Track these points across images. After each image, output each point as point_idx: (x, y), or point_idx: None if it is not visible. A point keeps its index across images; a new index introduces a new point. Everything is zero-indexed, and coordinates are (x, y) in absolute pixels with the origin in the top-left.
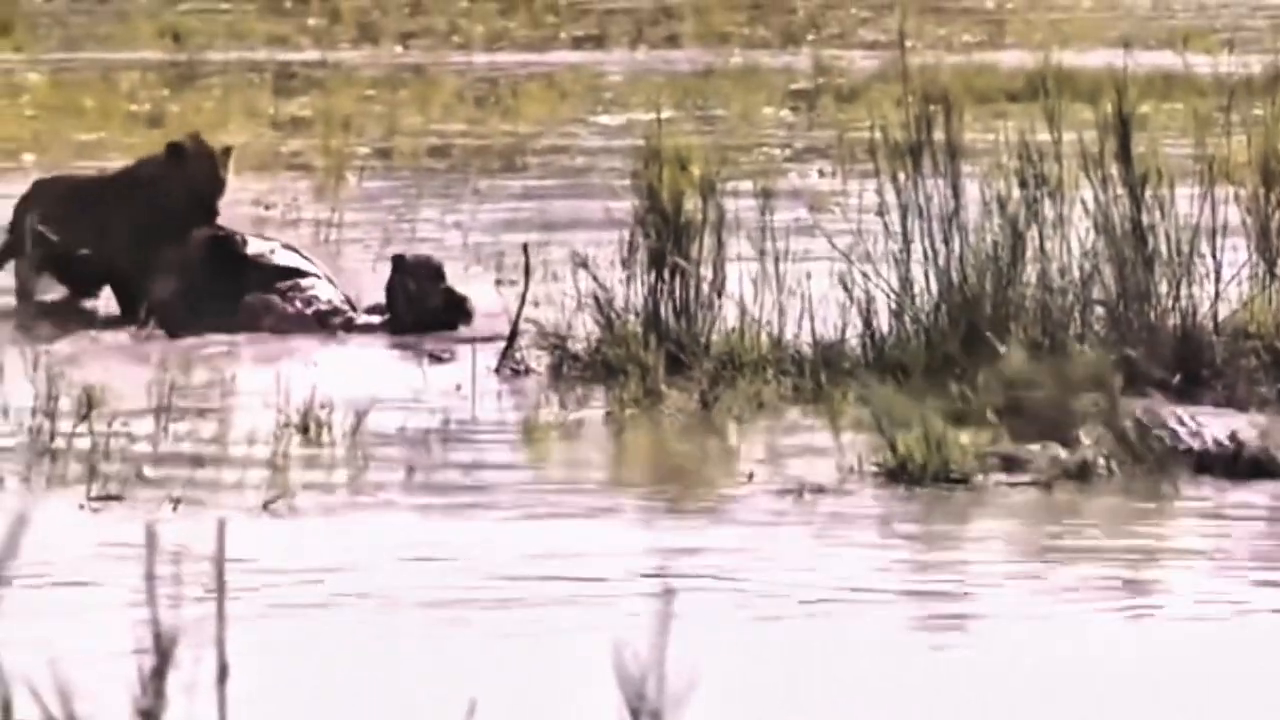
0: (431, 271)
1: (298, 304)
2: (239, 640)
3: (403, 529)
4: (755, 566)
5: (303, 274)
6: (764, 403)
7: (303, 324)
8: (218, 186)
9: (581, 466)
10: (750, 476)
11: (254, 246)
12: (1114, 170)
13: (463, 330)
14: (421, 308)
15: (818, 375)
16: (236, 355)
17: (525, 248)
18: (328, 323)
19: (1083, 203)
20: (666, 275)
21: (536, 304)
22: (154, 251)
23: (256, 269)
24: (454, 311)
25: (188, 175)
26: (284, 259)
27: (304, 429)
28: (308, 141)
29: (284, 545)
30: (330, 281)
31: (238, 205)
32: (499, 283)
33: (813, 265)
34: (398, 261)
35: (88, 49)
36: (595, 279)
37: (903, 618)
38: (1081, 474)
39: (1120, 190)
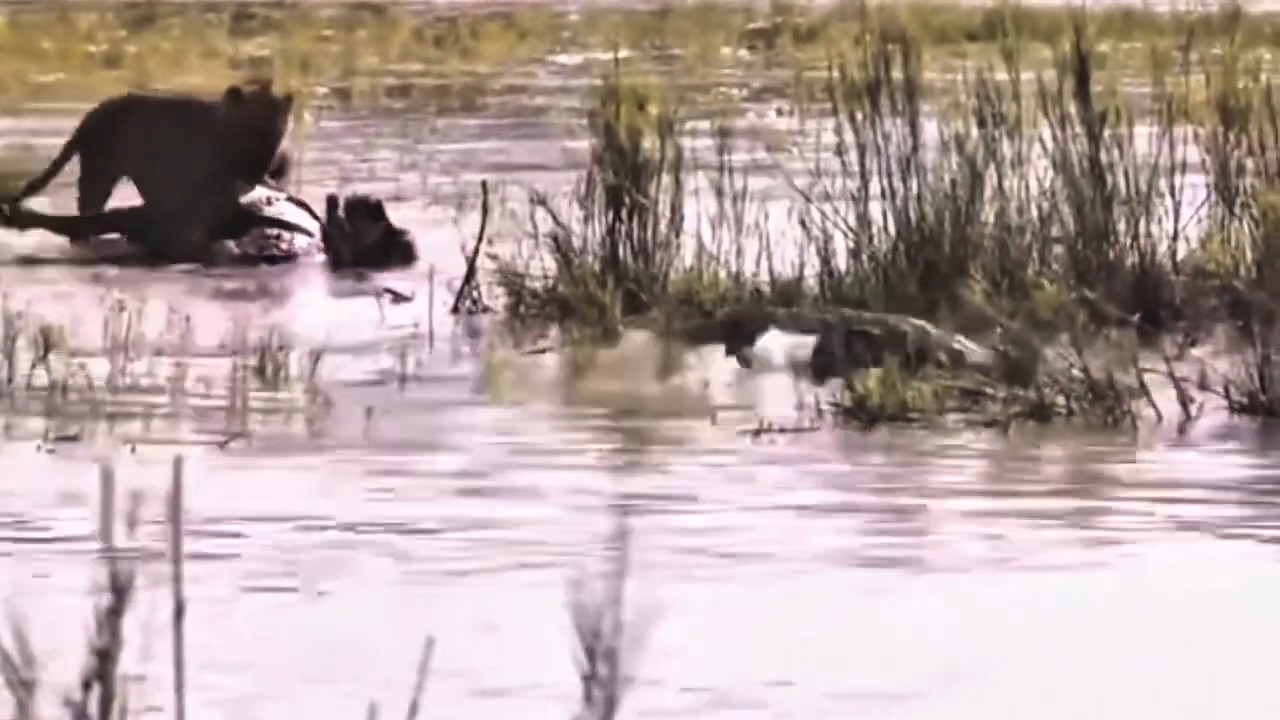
0: (369, 209)
1: (253, 249)
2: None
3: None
4: (709, 506)
5: (286, 226)
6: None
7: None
8: (276, 139)
9: (539, 404)
10: (713, 418)
11: (252, 196)
12: (1072, 109)
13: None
14: (359, 246)
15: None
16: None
17: (484, 185)
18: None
19: (1041, 142)
20: (624, 214)
21: (492, 243)
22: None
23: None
24: (395, 249)
25: (249, 122)
26: (274, 211)
27: (260, 370)
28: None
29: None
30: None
31: None
32: (456, 222)
33: (771, 204)
34: (332, 202)
35: None
36: (554, 217)
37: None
38: (1040, 414)
39: (1079, 129)
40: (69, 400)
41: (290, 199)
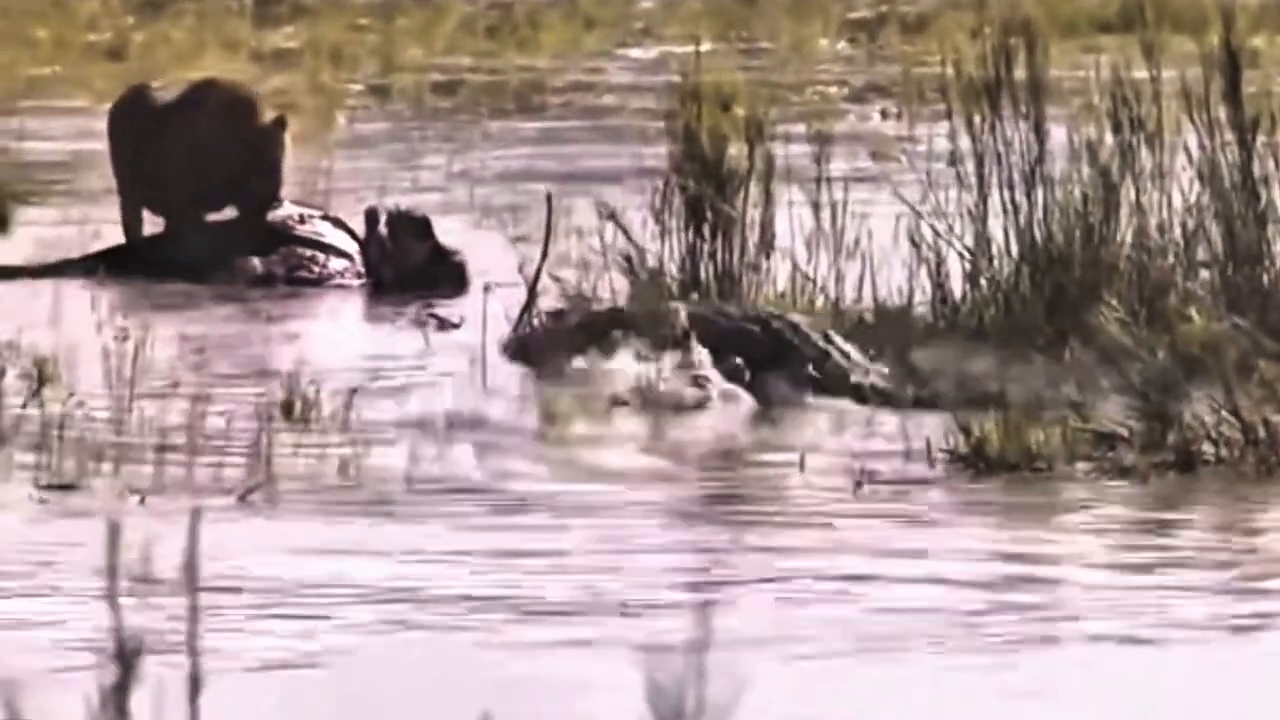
0: (415, 225)
1: (281, 270)
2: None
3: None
4: (807, 569)
5: (319, 246)
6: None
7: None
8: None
9: (604, 451)
10: (802, 464)
11: (282, 212)
12: (1221, 113)
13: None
14: (403, 267)
15: (880, 346)
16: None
17: (549, 197)
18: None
19: (1185, 150)
20: (706, 231)
21: (541, 257)
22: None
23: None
24: (444, 271)
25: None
26: (307, 229)
27: (287, 409)
28: (293, 77)
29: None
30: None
31: None
32: (514, 240)
33: (875, 221)
34: (371, 216)
35: None
36: (626, 233)
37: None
38: (1184, 463)
39: (1228, 136)
40: (65, 443)
41: (325, 216)
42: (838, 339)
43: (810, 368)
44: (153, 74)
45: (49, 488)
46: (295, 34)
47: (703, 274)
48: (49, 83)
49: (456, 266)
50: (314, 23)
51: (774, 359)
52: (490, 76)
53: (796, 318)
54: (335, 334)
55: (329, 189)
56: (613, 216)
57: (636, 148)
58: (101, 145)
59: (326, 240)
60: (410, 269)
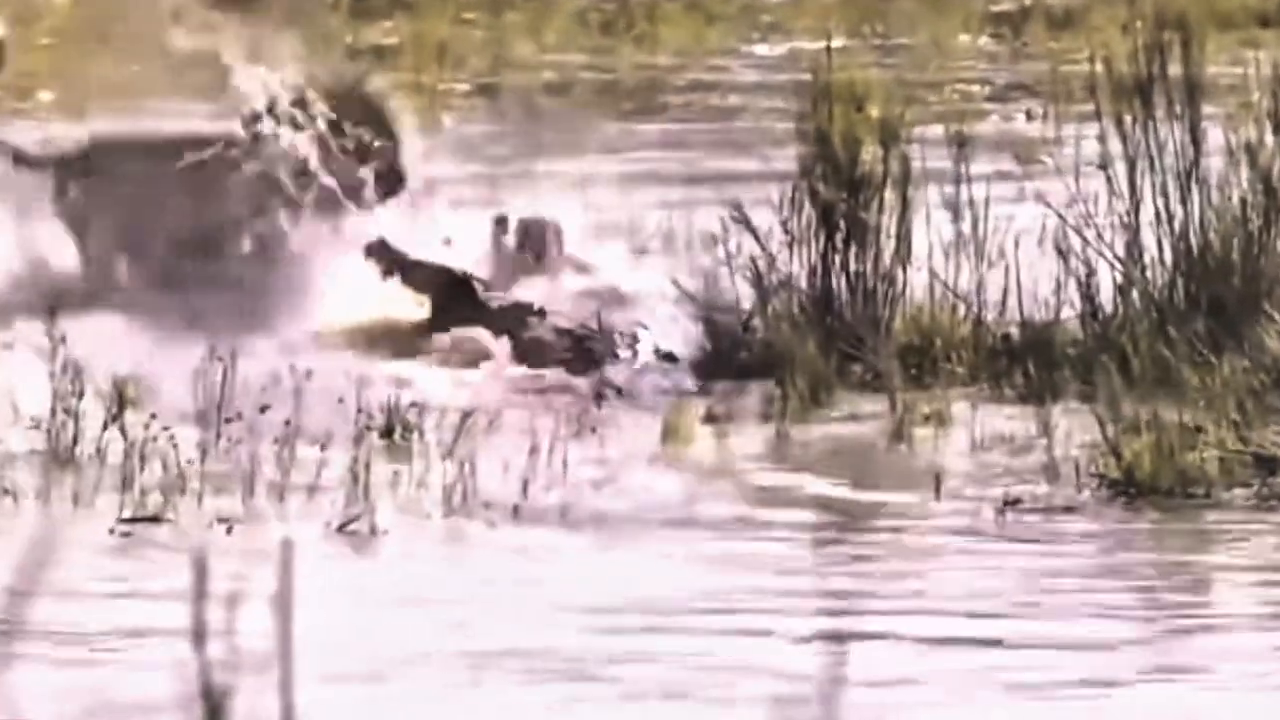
0: (545, 234)
1: None
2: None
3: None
4: (947, 607)
5: None
6: (959, 397)
7: None
8: None
9: (736, 479)
10: (938, 490)
11: None
12: None
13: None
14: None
15: (1026, 364)
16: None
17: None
18: None
19: None
20: (839, 240)
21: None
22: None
23: None
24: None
25: None
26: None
27: (387, 434)
28: (393, 76)
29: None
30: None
31: None
32: (636, 252)
33: (1019, 229)
34: (500, 224)
35: None
36: (757, 239)
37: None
38: None
39: None
40: (149, 471)
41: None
42: None
43: None
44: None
45: (131, 519)
46: (395, 29)
47: (834, 286)
48: (130, 84)
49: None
50: (415, 17)
51: None
52: (605, 75)
53: None
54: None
55: (432, 196)
56: (744, 220)
57: (764, 151)
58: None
59: (438, 260)
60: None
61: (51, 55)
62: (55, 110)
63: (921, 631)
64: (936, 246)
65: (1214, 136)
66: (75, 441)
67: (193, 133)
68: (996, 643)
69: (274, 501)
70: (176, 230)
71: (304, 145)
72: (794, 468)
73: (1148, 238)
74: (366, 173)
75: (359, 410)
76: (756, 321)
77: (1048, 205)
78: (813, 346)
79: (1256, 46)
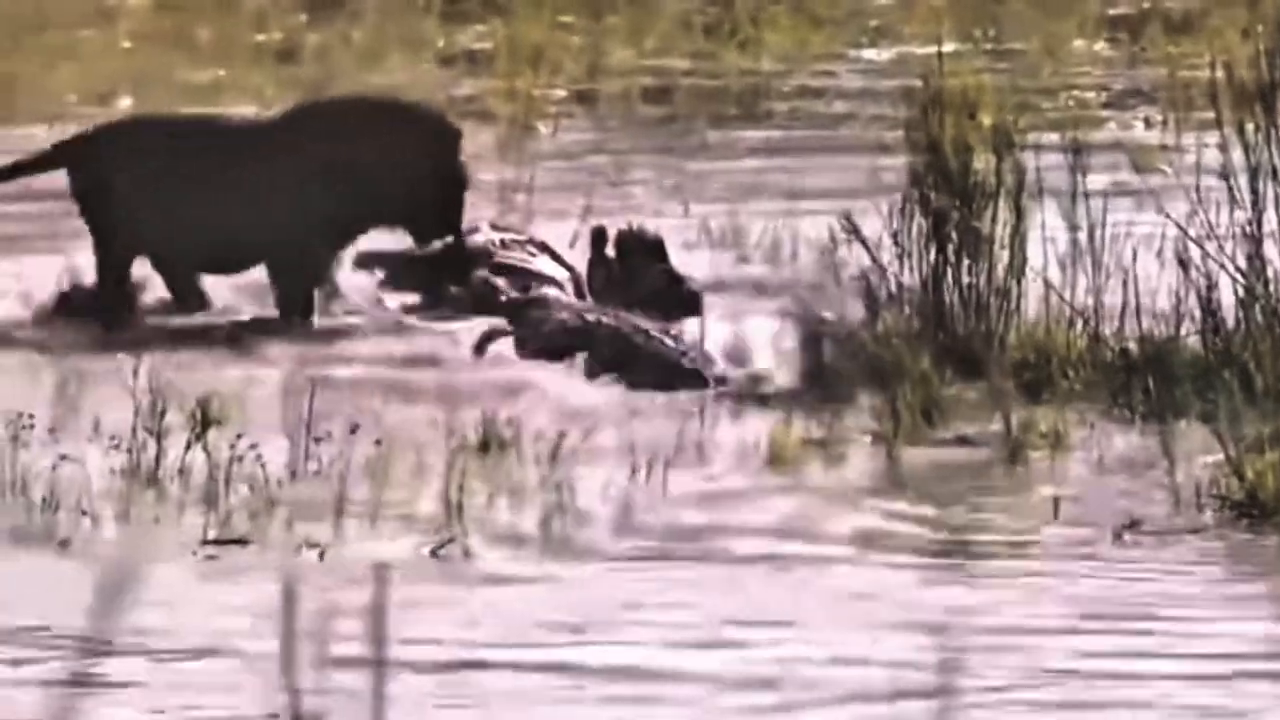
0: (647, 248)
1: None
2: None
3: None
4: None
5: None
6: (1076, 415)
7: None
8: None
9: (841, 502)
10: (1056, 511)
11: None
12: None
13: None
14: (632, 295)
15: (1145, 380)
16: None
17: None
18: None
19: None
20: (951, 252)
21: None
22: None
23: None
24: (677, 300)
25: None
26: (510, 256)
27: (483, 450)
28: (487, 82)
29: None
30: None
31: None
32: (743, 260)
33: (1138, 240)
34: (598, 236)
35: None
36: (868, 250)
37: None
38: None
39: None
40: (235, 492)
41: (530, 240)
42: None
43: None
44: (329, 78)
45: (216, 542)
46: (489, 33)
47: (946, 300)
48: (211, 89)
49: (690, 296)
50: (510, 20)
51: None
52: (708, 81)
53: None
54: (537, 368)
55: (528, 207)
56: (854, 230)
57: (872, 160)
58: None
59: (534, 267)
60: (639, 296)
61: (131, 59)
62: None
63: (1039, 663)
64: (1052, 258)
65: None
66: (157, 461)
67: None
68: (1110, 672)
69: (365, 524)
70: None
71: None
72: (904, 489)
73: (1271, 249)
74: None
75: (451, 429)
76: (866, 336)
77: (1167, 216)
78: (926, 362)
79: None
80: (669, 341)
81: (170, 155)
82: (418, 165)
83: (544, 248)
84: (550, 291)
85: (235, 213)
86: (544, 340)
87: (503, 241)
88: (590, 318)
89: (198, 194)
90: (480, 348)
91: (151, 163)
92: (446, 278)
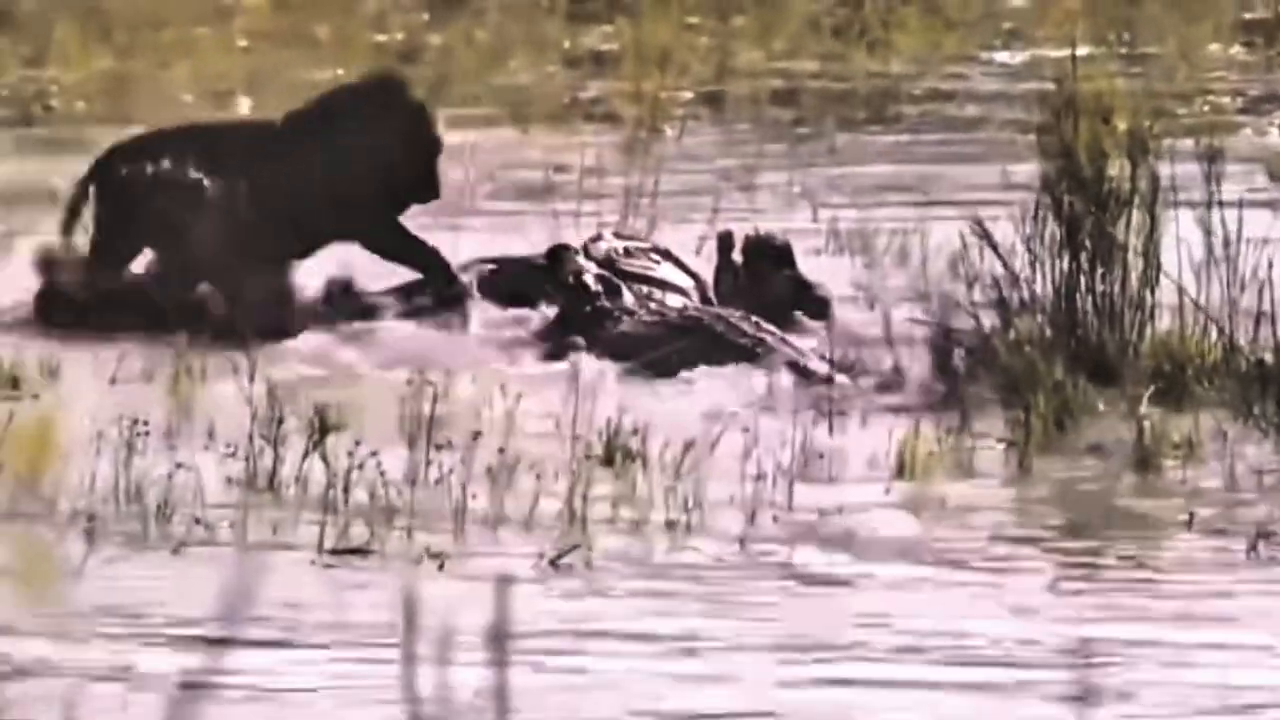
0: (774, 253)
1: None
2: None
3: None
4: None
5: (651, 283)
6: (1210, 425)
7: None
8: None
9: (976, 512)
10: (1190, 521)
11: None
12: None
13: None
14: (759, 299)
15: None
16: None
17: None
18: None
19: None
20: (1084, 259)
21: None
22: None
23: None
24: (805, 306)
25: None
26: (634, 264)
27: (607, 461)
28: (612, 84)
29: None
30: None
31: (521, 167)
32: (867, 266)
33: (1274, 249)
34: (725, 241)
35: None
36: (999, 256)
37: None
38: None
39: None
40: (354, 500)
41: (654, 248)
42: None
43: None
44: (450, 80)
45: (335, 551)
46: (615, 34)
47: (1078, 307)
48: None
49: (819, 301)
50: (637, 21)
51: None
52: (837, 83)
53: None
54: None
55: (654, 212)
56: (986, 236)
57: (1004, 165)
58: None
59: (657, 275)
60: (766, 302)
61: (248, 58)
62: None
63: (1181, 677)
64: (1186, 266)
65: None
66: (274, 469)
67: None
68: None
69: (487, 533)
70: None
71: None
72: (1037, 498)
73: None
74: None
75: (576, 436)
76: (998, 344)
77: None
78: (1059, 371)
79: None
80: (784, 343)
81: (182, 161)
82: (397, 142)
83: (667, 255)
84: (669, 298)
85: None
86: (642, 338)
87: (625, 249)
88: (692, 315)
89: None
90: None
91: (168, 167)
92: (544, 282)
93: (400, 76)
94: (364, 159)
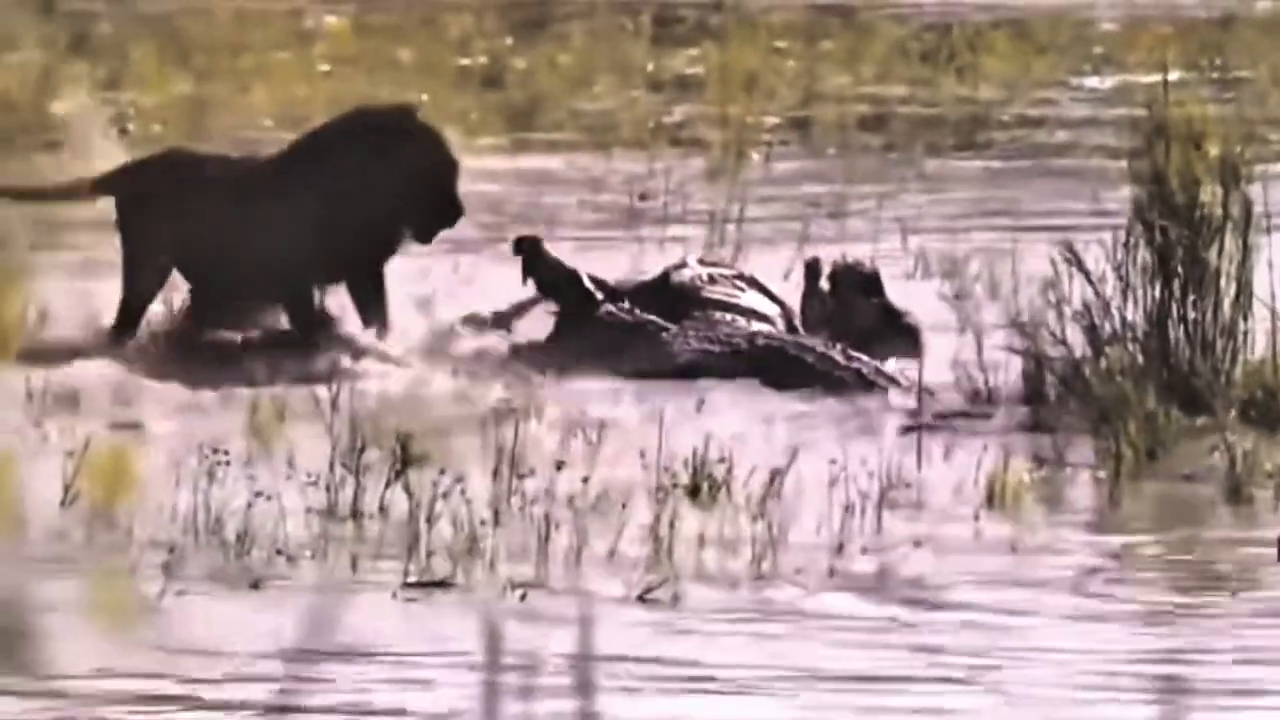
0: (863, 281)
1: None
2: None
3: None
4: None
5: (739, 310)
6: None
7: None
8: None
9: (1066, 543)
10: None
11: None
12: None
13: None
14: (848, 329)
15: None
16: (612, 395)
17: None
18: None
19: None
20: (1176, 287)
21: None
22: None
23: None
24: (895, 335)
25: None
26: (719, 291)
27: (694, 491)
28: (698, 108)
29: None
30: (789, 324)
31: (605, 192)
32: (954, 297)
33: None
34: (812, 269)
35: None
36: (1093, 284)
37: None
38: None
39: None
40: (437, 531)
41: (740, 275)
42: None
43: None
44: (535, 103)
45: (417, 584)
46: (701, 58)
47: (1171, 336)
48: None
49: (909, 331)
50: (723, 45)
51: None
52: (925, 109)
53: None
54: (752, 405)
55: (740, 238)
56: (1077, 262)
57: (1094, 191)
58: (477, 187)
59: (741, 302)
60: (855, 331)
61: (329, 83)
62: None
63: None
64: None
65: None
66: (356, 499)
67: None
68: None
69: (571, 565)
70: None
71: None
72: (1127, 529)
73: None
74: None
75: (662, 466)
76: (1089, 371)
77: None
78: (1151, 399)
79: None
80: (876, 372)
81: (199, 187)
82: (414, 171)
83: (752, 282)
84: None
85: (251, 246)
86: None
87: (710, 276)
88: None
89: (220, 226)
90: (503, 320)
91: (186, 193)
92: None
93: (410, 105)
94: (376, 189)
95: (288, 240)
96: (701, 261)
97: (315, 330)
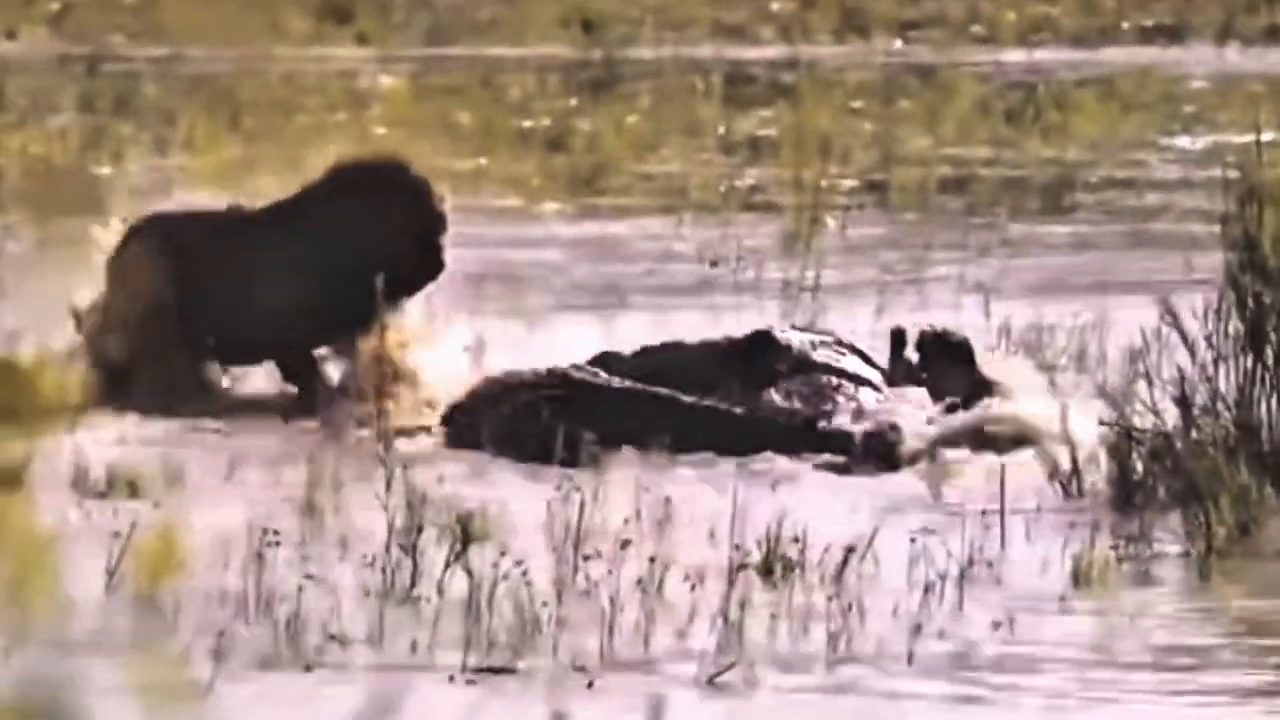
0: (951, 350)
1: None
2: None
3: None
4: None
5: (845, 375)
6: None
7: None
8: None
9: (1155, 623)
10: None
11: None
12: None
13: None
14: (936, 397)
15: None
16: (673, 474)
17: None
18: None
19: None
20: (1269, 355)
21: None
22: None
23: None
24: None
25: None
26: (824, 356)
27: (767, 570)
28: (771, 171)
29: None
30: (878, 389)
31: (675, 259)
32: (1043, 369)
33: None
34: (898, 337)
35: (462, 42)
36: (1190, 351)
37: None
38: None
39: None
40: (498, 614)
41: (839, 341)
42: None
43: None
44: (600, 168)
45: (478, 670)
46: (774, 119)
47: (1264, 407)
48: (474, 178)
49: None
50: (796, 105)
51: None
52: (1010, 171)
53: None
54: (829, 479)
55: (816, 305)
56: (1176, 324)
57: (1185, 255)
58: (541, 254)
59: (845, 367)
60: (942, 400)
61: (383, 145)
62: None
63: None
64: None
65: None
66: (414, 581)
67: None
68: None
69: (638, 649)
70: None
71: None
72: (1218, 608)
73: None
74: None
75: (734, 545)
76: (1179, 444)
77: None
78: (1243, 473)
79: None
80: None
81: (198, 244)
82: (403, 224)
83: (852, 349)
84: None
85: (247, 300)
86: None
87: (812, 343)
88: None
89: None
90: None
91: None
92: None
93: (402, 158)
94: (361, 240)
95: (280, 292)
96: (794, 327)
97: (311, 382)
